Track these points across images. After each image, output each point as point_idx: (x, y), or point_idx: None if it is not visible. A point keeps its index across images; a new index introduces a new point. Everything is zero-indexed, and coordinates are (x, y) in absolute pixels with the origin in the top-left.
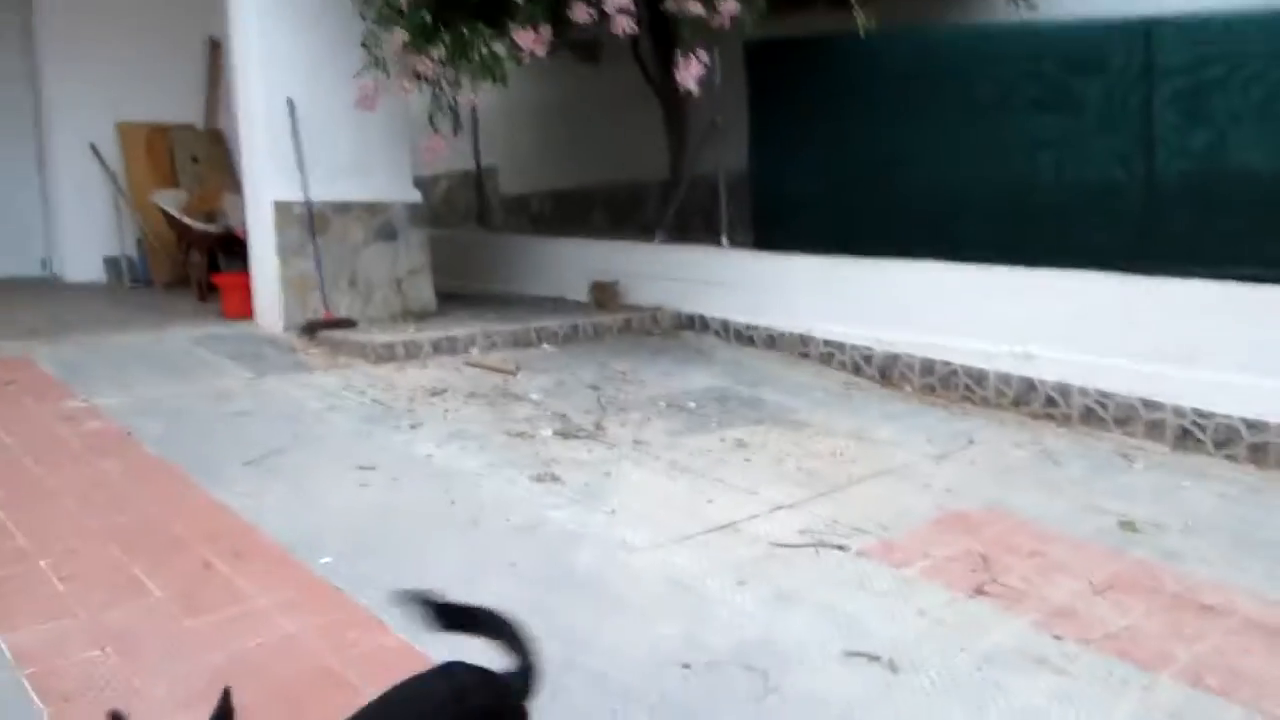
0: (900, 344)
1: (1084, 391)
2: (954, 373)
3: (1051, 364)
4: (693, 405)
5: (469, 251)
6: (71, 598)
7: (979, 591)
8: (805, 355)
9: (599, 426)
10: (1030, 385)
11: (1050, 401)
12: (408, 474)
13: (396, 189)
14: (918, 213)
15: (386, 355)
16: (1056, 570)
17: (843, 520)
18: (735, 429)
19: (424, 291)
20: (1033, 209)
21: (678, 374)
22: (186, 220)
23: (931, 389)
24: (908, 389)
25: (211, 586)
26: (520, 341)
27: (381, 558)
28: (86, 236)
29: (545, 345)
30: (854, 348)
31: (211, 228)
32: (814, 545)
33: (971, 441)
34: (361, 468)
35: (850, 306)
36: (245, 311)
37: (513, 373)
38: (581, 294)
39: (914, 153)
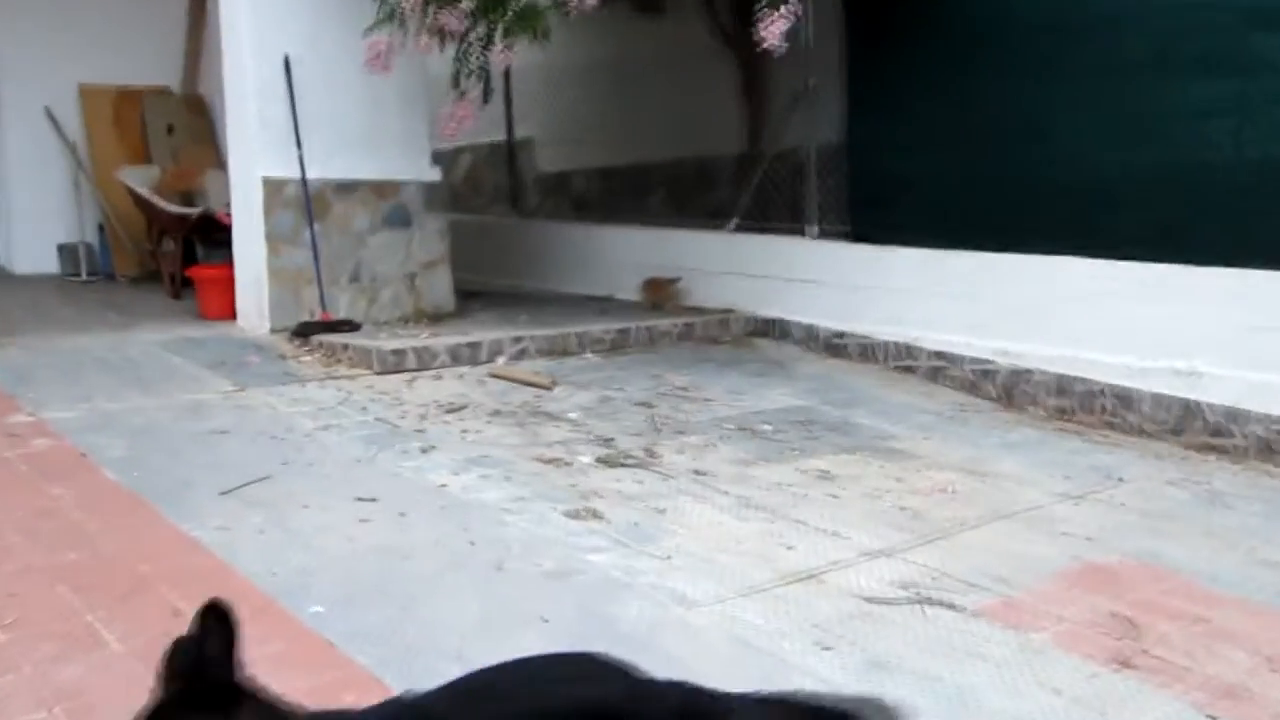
0: (1029, 357)
1: (1262, 419)
2: (1096, 393)
3: (1221, 384)
4: (768, 429)
5: (497, 241)
6: (14, 649)
7: (1125, 664)
8: (909, 369)
9: (651, 453)
10: (1193, 410)
11: (1218, 431)
12: (417, 507)
13: (411, 165)
14: (1054, 197)
15: (395, 364)
16: (1223, 639)
17: (952, 573)
18: (820, 459)
19: (441, 288)
20: (1202, 194)
21: (750, 390)
22: (158, 201)
23: (1067, 412)
24: (1037, 412)
25: None
26: (557, 349)
27: (383, 608)
28: (38, 220)
29: (588, 354)
30: (971, 361)
31: (188, 210)
32: (916, 602)
33: (1117, 479)
34: (361, 499)
35: (967, 310)
36: (226, 311)
37: (548, 387)
38: (633, 293)
39: (1050, 123)
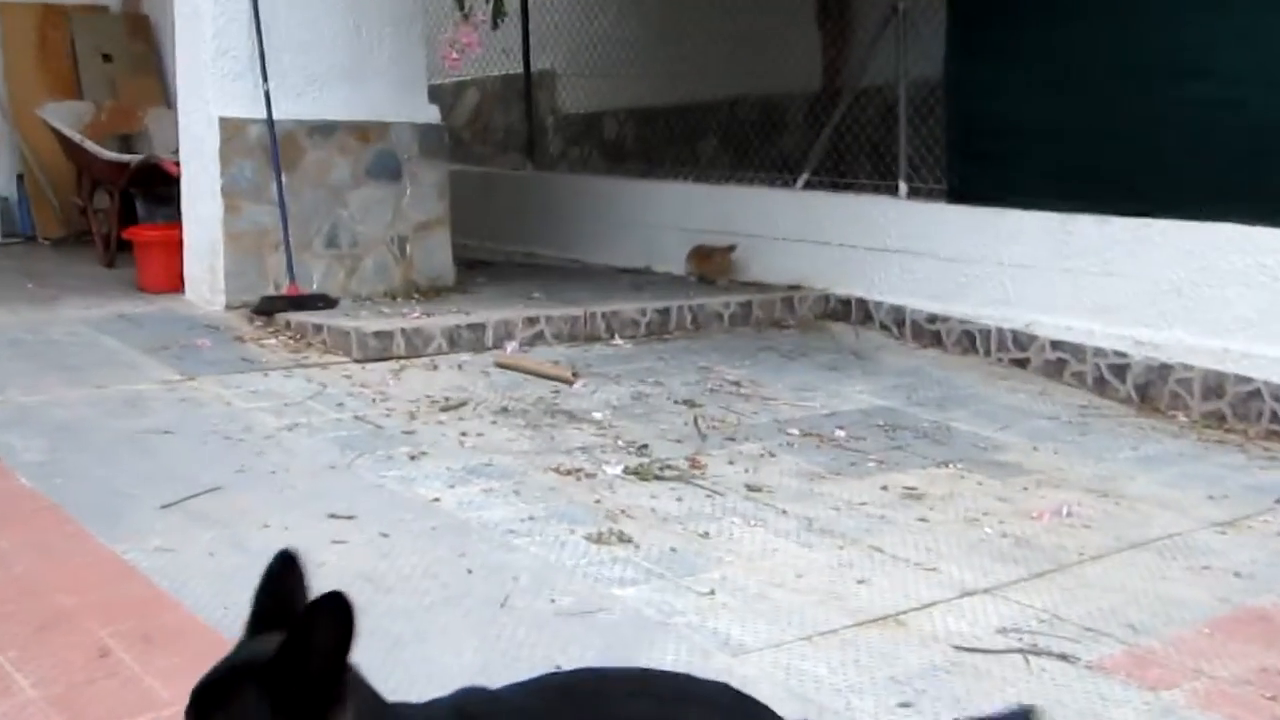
0: (1171, 348)
1: None
2: (1256, 395)
3: None
4: (841, 434)
5: (508, 198)
6: None
7: None
8: (1021, 362)
9: (695, 463)
10: None
11: None
12: (404, 527)
13: (403, 103)
14: (1210, 150)
15: (380, 350)
16: None
17: (1068, 616)
18: (907, 472)
19: (439, 256)
20: None
21: (821, 387)
22: (89, 146)
23: (1218, 418)
24: (1180, 417)
25: (109, 683)
26: (580, 334)
27: (360, 652)
28: None
29: (619, 340)
30: (1099, 352)
31: (126, 157)
32: (1021, 652)
33: (1276, 502)
34: (335, 516)
35: (1095, 290)
36: (171, 282)
37: (568, 380)
38: (676, 264)
39: (1209, 58)
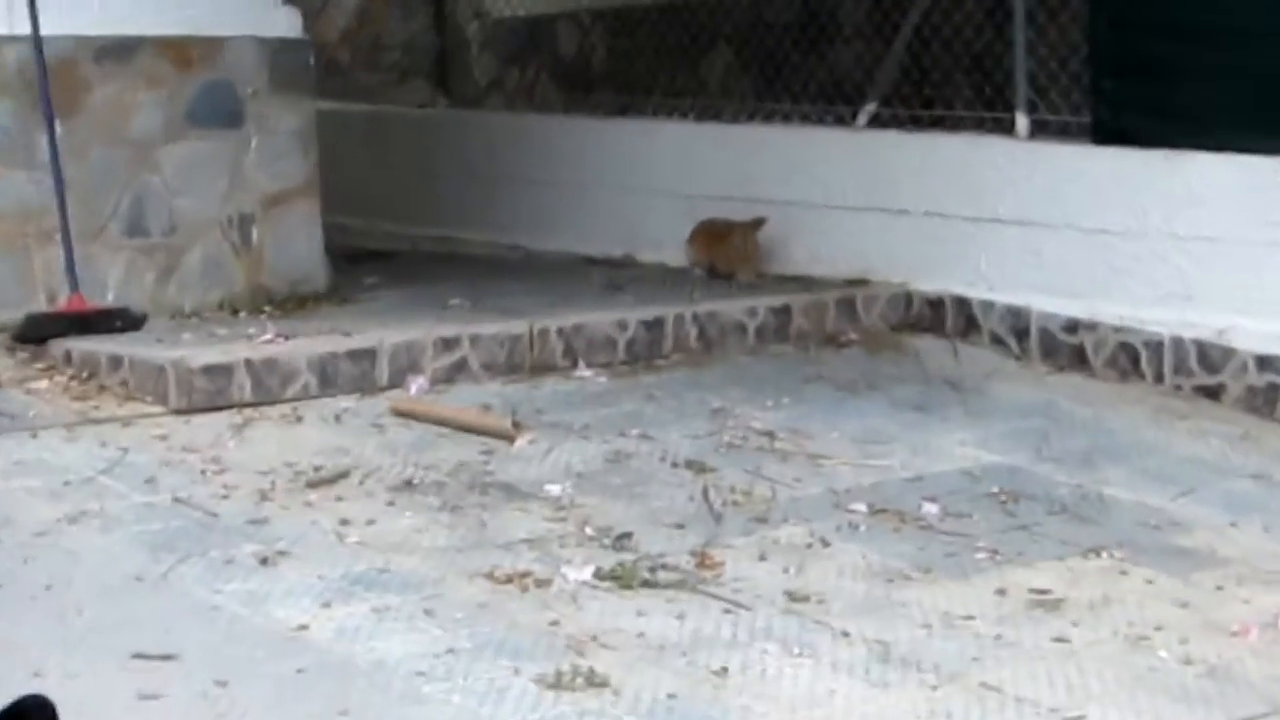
0: None
1: None
2: None
3: None
4: (932, 511)
5: (412, 152)
6: None
7: None
8: (1211, 392)
9: (705, 561)
10: None
11: None
12: (252, 671)
13: (243, 7)
14: None
15: (212, 395)
16: None
17: None
18: (1035, 567)
19: (303, 246)
20: None
21: (900, 437)
22: None
23: None
24: None
25: None
26: (526, 362)
27: None
28: None
29: (585, 370)
30: None
31: None
32: None
33: None
34: (145, 657)
35: None
36: None
37: (508, 436)
38: (674, 250)
39: None
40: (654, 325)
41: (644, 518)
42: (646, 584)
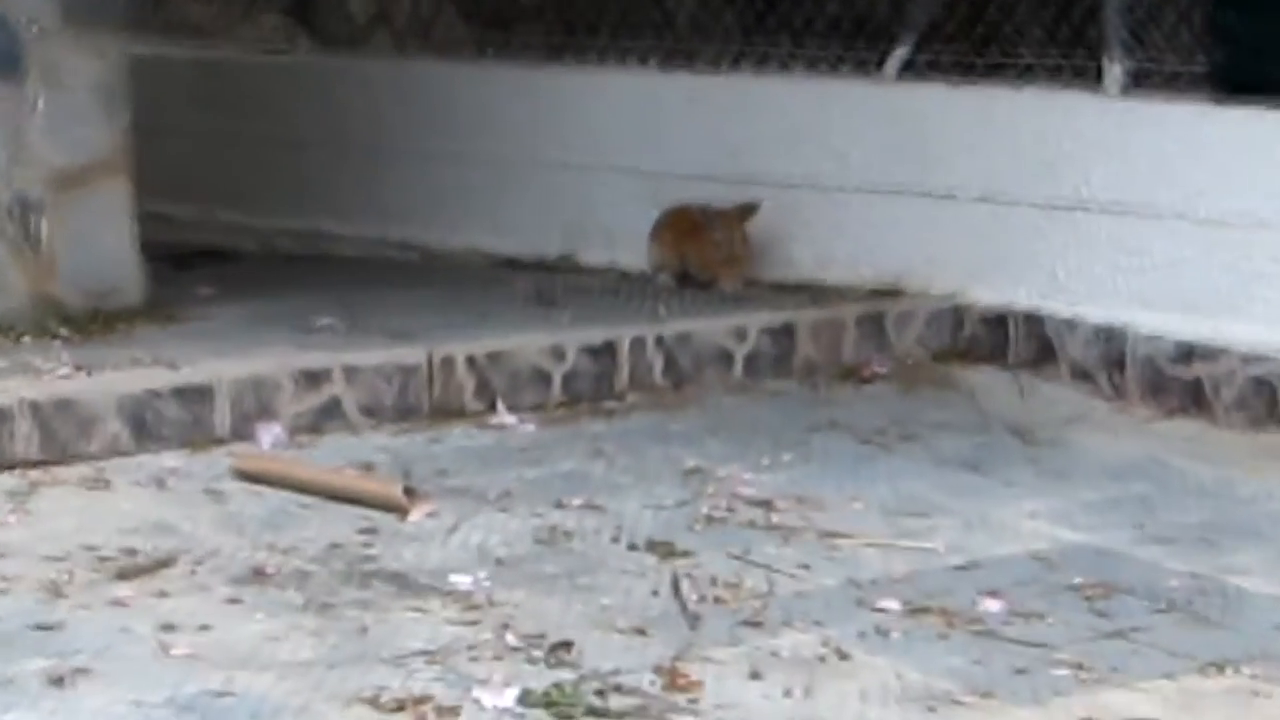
0: None
1: None
2: None
3: None
4: (993, 609)
5: (262, 114)
6: None
7: None
8: None
9: (676, 680)
10: None
11: None
12: None
13: None
14: None
15: None
16: None
17: None
18: (1135, 689)
19: (109, 242)
20: None
21: (947, 507)
22: None
23: None
24: None
25: None
26: (421, 406)
27: None
28: None
29: (504, 414)
30: None
31: None
32: None
33: None
34: None
35: None
36: None
37: (399, 506)
38: (631, 249)
39: None
40: (602, 353)
41: (589, 620)
42: (593, 713)
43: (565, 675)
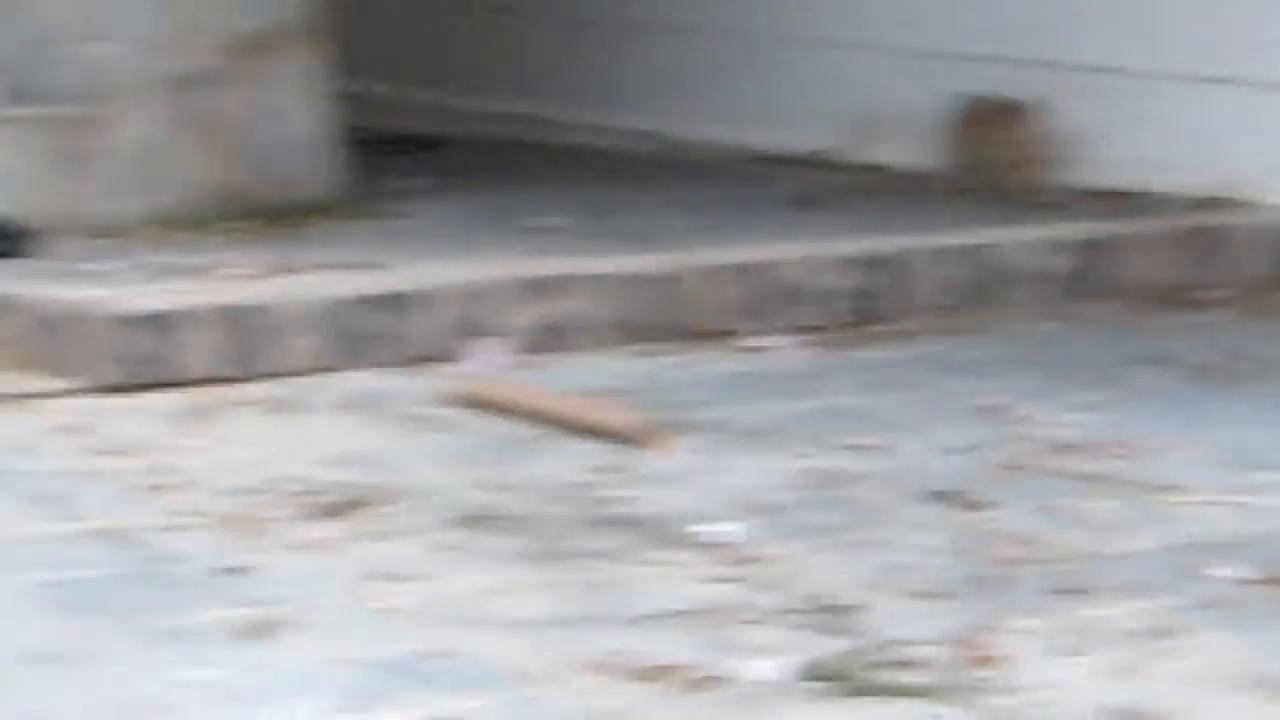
0: None
1: None
2: None
3: None
4: None
5: None
6: None
7: None
8: None
9: (975, 653)
10: None
11: None
12: None
13: None
14: None
15: (148, 363)
16: None
17: None
18: None
19: (297, 125)
20: None
21: None
22: None
23: None
24: None
25: None
26: (667, 323)
27: None
28: None
29: (766, 339)
30: None
31: None
32: None
33: None
34: None
35: None
36: None
37: (641, 440)
38: (909, 146)
39: None
40: (879, 266)
41: (869, 581)
42: (876, 690)
43: (841, 644)
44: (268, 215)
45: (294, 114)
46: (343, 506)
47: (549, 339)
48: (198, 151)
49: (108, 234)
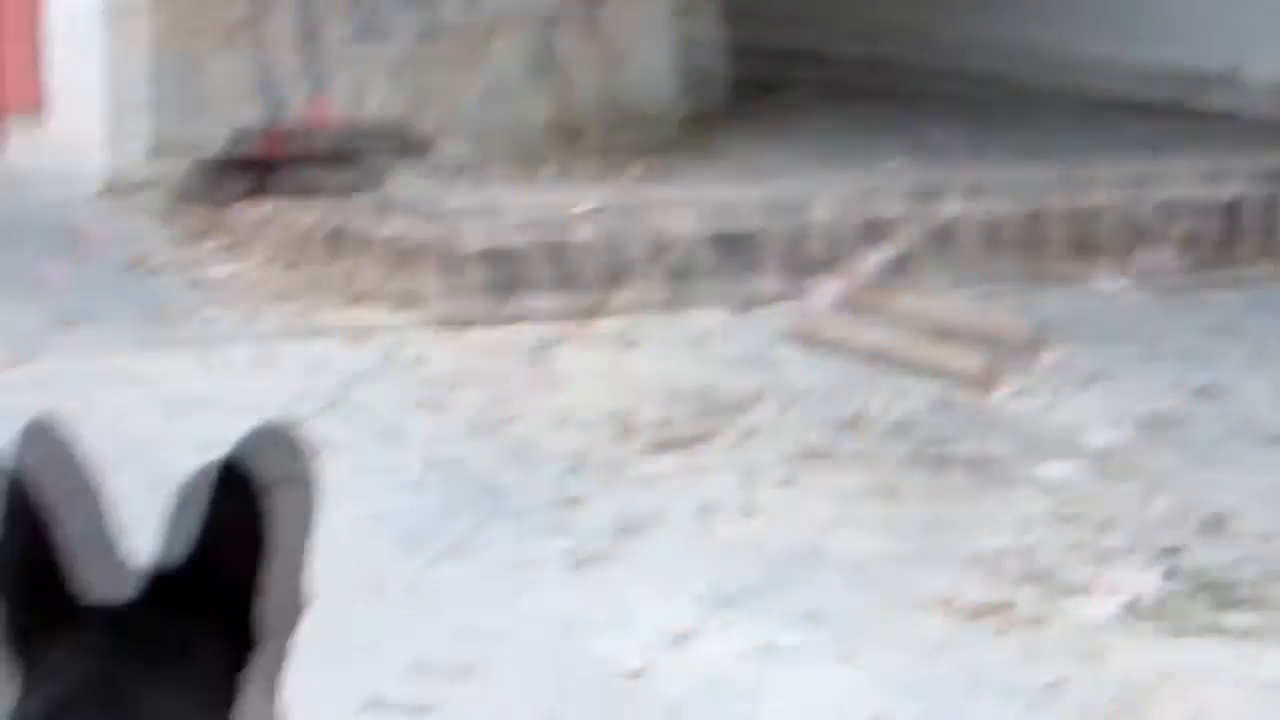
0: None
1: None
2: None
3: None
4: None
5: None
6: None
7: None
8: None
9: None
10: None
11: None
12: None
13: None
14: None
15: (486, 298)
16: None
17: None
18: None
19: (644, 61)
20: None
21: None
22: None
23: None
24: None
25: None
26: (1009, 268)
27: None
28: None
29: (1107, 279)
30: None
31: None
32: None
33: None
34: (390, 708)
35: None
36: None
37: (983, 380)
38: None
39: None
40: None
41: (1202, 523)
42: (1211, 629)
43: (1178, 586)
44: (604, 152)
45: (638, 51)
46: (675, 442)
47: (886, 279)
48: (535, 87)
49: (487, 152)
